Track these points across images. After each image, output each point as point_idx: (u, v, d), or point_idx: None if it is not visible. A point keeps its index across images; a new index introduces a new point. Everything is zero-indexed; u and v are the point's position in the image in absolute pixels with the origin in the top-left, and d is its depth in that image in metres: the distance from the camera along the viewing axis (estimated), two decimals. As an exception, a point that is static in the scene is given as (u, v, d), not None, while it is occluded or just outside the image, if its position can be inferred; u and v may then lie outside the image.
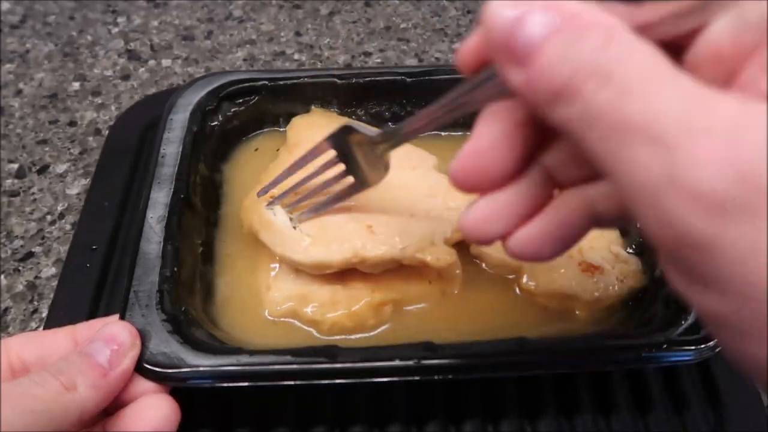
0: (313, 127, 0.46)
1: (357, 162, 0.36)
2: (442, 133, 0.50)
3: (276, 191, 0.40)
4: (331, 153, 0.37)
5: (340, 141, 0.36)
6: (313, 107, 0.49)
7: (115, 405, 0.31)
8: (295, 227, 0.39)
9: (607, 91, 0.17)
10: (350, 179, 0.37)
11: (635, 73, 0.17)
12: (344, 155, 0.36)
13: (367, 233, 0.38)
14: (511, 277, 0.41)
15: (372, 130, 0.34)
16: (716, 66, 0.19)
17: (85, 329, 0.33)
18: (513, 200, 0.24)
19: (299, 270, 0.39)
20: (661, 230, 0.17)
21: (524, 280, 0.40)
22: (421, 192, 0.42)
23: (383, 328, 0.39)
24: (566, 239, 0.24)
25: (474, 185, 0.24)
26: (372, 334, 0.39)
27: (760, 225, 0.15)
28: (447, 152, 0.47)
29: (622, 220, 0.23)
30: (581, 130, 0.18)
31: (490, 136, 0.23)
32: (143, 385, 0.32)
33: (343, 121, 0.46)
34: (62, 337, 0.32)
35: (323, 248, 0.38)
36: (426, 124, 0.29)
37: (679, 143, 0.16)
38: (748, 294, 0.16)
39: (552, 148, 0.24)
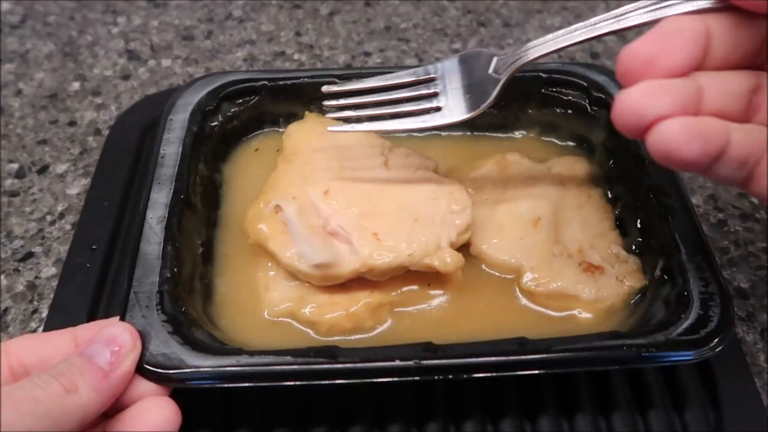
0: (311, 134, 0.45)
1: (455, 87, 0.31)
2: (442, 133, 0.50)
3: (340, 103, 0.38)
4: (427, 73, 0.32)
5: (449, 68, 0.31)
6: (307, 112, 0.49)
7: (115, 407, 0.31)
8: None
9: None
10: (436, 104, 0.32)
11: None
12: (442, 82, 0.31)
13: (374, 241, 0.38)
14: (510, 277, 0.41)
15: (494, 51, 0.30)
16: None
17: (85, 331, 0.32)
18: (692, 89, 0.21)
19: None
20: None
21: (524, 280, 0.40)
22: (424, 196, 0.42)
23: (382, 328, 0.39)
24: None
25: (641, 73, 0.22)
26: (371, 335, 0.39)
27: None
28: (448, 152, 0.47)
29: None
30: None
31: (680, 26, 0.21)
32: (144, 387, 0.32)
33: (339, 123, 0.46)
34: (63, 340, 0.32)
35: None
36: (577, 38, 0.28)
37: None
38: None
39: None
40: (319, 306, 0.39)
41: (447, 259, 0.38)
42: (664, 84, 0.22)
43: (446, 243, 0.39)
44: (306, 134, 0.46)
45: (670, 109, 0.21)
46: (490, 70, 0.30)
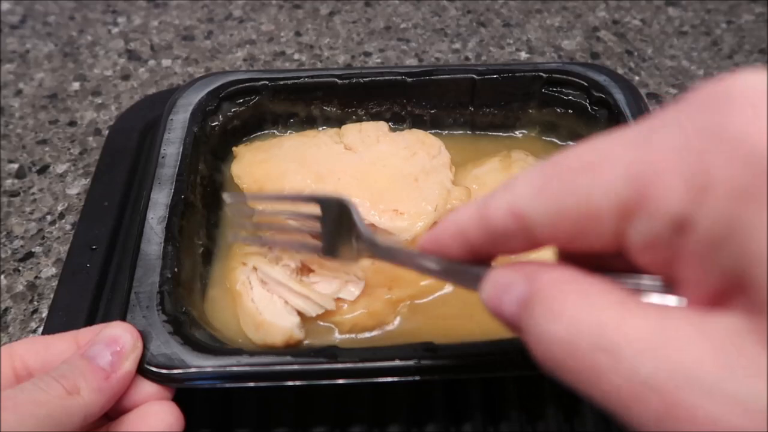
0: (257, 165, 0.44)
1: (333, 233, 0.35)
2: (443, 132, 0.50)
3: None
4: (316, 210, 0.35)
5: (330, 206, 0.34)
6: (234, 149, 0.47)
7: (118, 410, 0.31)
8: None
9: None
10: (317, 242, 0.36)
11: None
12: (326, 218, 0.35)
13: (398, 216, 0.40)
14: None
15: (364, 228, 0.33)
16: (653, 257, 0.18)
17: (88, 334, 0.32)
18: None
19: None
20: None
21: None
22: (402, 156, 0.44)
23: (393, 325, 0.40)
24: None
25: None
26: (390, 328, 0.39)
27: None
28: (448, 150, 0.47)
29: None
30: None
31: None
32: (147, 388, 0.32)
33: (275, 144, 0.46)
34: (66, 342, 0.32)
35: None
36: (402, 264, 0.29)
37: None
38: None
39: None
40: (338, 307, 0.39)
41: (463, 198, 0.41)
42: None
43: (449, 183, 0.42)
44: (253, 168, 0.45)
45: None
46: (353, 240, 0.33)
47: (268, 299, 0.37)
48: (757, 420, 0.14)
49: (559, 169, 0.19)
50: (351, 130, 0.46)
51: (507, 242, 0.22)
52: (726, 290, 0.16)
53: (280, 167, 0.44)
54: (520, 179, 0.21)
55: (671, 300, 0.19)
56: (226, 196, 0.42)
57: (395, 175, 0.43)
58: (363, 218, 0.33)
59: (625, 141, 0.18)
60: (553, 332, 0.18)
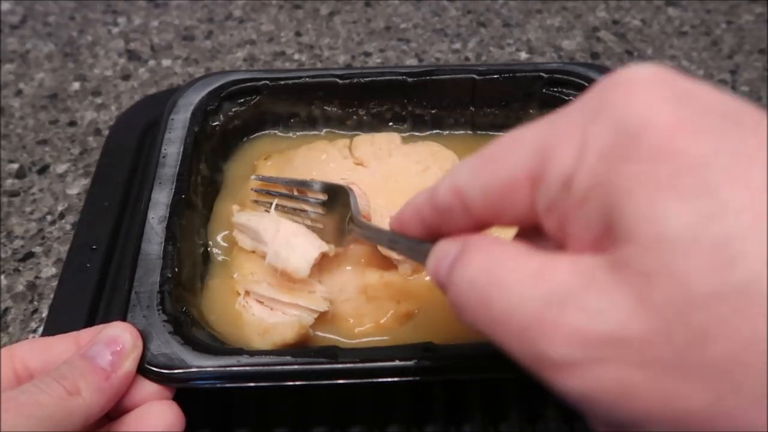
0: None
1: (334, 218, 0.39)
2: (444, 132, 0.50)
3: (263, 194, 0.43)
4: (321, 197, 0.40)
5: (336, 193, 0.39)
6: (254, 162, 0.47)
7: (119, 409, 0.31)
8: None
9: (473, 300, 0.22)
10: (321, 220, 0.40)
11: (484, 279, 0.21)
12: (330, 204, 0.39)
13: None
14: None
15: (356, 210, 0.37)
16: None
17: (89, 335, 0.32)
18: None
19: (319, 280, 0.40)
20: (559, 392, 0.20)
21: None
22: (414, 171, 0.43)
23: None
24: None
25: None
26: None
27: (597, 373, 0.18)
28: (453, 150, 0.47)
29: None
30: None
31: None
32: (147, 388, 0.32)
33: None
34: (66, 344, 0.32)
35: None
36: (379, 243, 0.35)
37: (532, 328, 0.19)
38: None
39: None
40: (345, 320, 0.38)
41: None
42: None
43: None
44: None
45: None
46: (346, 222, 0.38)
47: (268, 312, 0.38)
48: (607, 323, 0.17)
49: (489, 151, 0.23)
50: (363, 142, 0.46)
51: (452, 218, 0.25)
52: (601, 239, 0.19)
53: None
54: (462, 164, 0.24)
55: None
56: (253, 177, 0.44)
57: (407, 191, 0.40)
58: (359, 206, 0.38)
59: (538, 124, 0.22)
60: (463, 276, 0.22)
